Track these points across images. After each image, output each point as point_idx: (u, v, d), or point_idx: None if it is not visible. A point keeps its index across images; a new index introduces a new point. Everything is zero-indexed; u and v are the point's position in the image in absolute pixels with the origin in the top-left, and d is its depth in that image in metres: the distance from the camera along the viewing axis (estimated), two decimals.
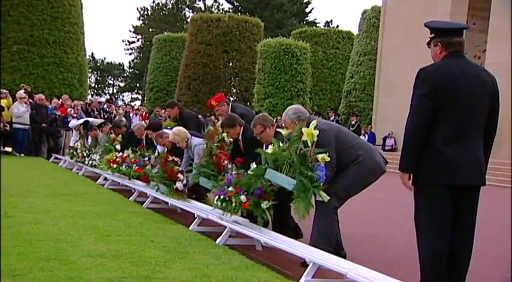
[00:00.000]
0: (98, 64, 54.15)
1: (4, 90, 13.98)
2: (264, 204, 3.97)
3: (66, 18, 20.79)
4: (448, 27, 3.08)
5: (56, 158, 13.41)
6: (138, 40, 51.07)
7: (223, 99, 6.68)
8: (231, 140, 5.18)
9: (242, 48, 26.57)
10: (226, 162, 5.06)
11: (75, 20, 21.35)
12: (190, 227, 4.86)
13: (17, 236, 3.91)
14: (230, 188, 4.27)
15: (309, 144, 3.75)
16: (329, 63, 27.96)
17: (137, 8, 65.77)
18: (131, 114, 18.24)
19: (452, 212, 2.93)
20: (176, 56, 30.13)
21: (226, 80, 26.94)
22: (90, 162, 9.59)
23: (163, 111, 15.70)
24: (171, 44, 30.73)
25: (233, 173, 4.52)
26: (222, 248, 4.06)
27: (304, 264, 3.57)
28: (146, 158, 7.16)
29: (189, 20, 36.65)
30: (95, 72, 53.69)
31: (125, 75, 55.40)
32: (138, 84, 51.57)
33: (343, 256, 3.81)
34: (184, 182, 5.75)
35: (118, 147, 8.76)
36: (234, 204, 4.17)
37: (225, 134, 5.19)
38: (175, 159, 6.03)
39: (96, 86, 54.27)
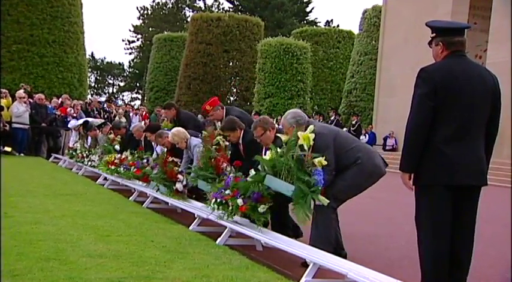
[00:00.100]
0: (98, 63, 54.17)
1: (4, 90, 13.97)
2: (261, 208, 3.96)
3: (66, 18, 20.77)
4: (449, 26, 3.08)
5: (55, 157, 13.41)
6: (138, 39, 51.08)
7: (217, 104, 6.65)
8: (227, 143, 5.17)
9: (242, 47, 26.54)
10: (225, 164, 5.05)
11: (75, 19, 21.34)
12: (191, 227, 4.85)
13: (17, 236, 3.90)
14: (227, 191, 4.26)
15: (305, 148, 3.73)
16: (329, 62, 27.92)
17: (137, 8, 65.77)
18: (131, 114, 18.20)
19: (453, 212, 2.92)
20: (176, 55, 30.10)
21: (227, 79, 26.91)
22: (89, 163, 9.59)
23: (163, 111, 15.65)
24: (171, 44, 30.70)
25: (230, 175, 4.51)
26: (222, 248, 4.05)
27: (305, 265, 3.56)
28: (144, 160, 7.15)
29: (189, 19, 36.66)
30: (95, 72, 53.71)
31: (125, 74, 55.42)
32: (138, 84, 51.57)
33: (344, 256, 3.80)
34: (184, 182, 5.73)
35: (117, 147, 8.75)
36: (230, 208, 4.16)
37: (219, 137, 5.17)
38: (175, 160, 6.01)
39: (96, 86, 54.30)
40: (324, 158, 3.69)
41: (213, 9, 48.09)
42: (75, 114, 14.46)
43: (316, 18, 48.37)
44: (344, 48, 28.09)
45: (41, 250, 3.52)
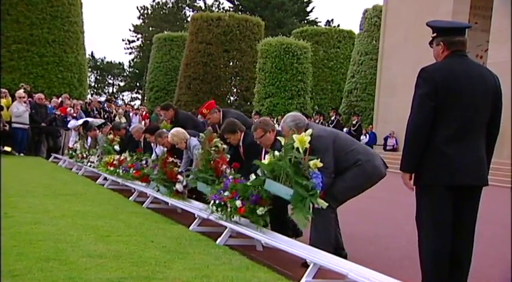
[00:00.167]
0: (98, 63, 54.14)
1: (3, 90, 13.96)
2: (260, 211, 3.96)
3: (66, 17, 20.75)
4: (450, 26, 3.07)
5: (55, 157, 13.40)
6: (138, 39, 51.07)
7: (214, 106, 6.64)
8: (225, 146, 5.16)
9: (243, 47, 26.51)
10: (224, 167, 5.04)
11: (75, 19, 21.32)
12: (191, 227, 4.85)
13: (17, 236, 3.90)
14: (226, 193, 4.25)
15: (301, 151, 3.72)
16: (330, 62, 27.90)
17: (137, 7, 65.77)
18: (131, 114, 18.19)
19: (453, 212, 2.91)
20: (176, 55, 30.08)
21: (227, 79, 26.88)
22: (89, 164, 9.60)
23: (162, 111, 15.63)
24: (171, 43, 30.68)
25: (230, 177, 4.51)
26: (223, 248, 4.05)
27: (305, 265, 3.55)
28: (143, 162, 7.14)
29: (189, 19, 36.66)
30: (95, 72, 53.68)
31: (125, 74, 55.40)
32: (138, 84, 51.56)
33: (344, 256, 3.80)
34: (184, 183, 5.72)
35: (117, 148, 8.74)
36: (229, 210, 4.16)
37: (217, 139, 5.17)
38: (175, 160, 6.00)
39: (95, 86, 54.27)
40: (319, 159, 3.68)
41: (213, 8, 48.09)
42: (75, 114, 14.45)
43: (316, 18, 48.42)
44: (344, 48, 28.07)
45: (41, 250, 3.52)
